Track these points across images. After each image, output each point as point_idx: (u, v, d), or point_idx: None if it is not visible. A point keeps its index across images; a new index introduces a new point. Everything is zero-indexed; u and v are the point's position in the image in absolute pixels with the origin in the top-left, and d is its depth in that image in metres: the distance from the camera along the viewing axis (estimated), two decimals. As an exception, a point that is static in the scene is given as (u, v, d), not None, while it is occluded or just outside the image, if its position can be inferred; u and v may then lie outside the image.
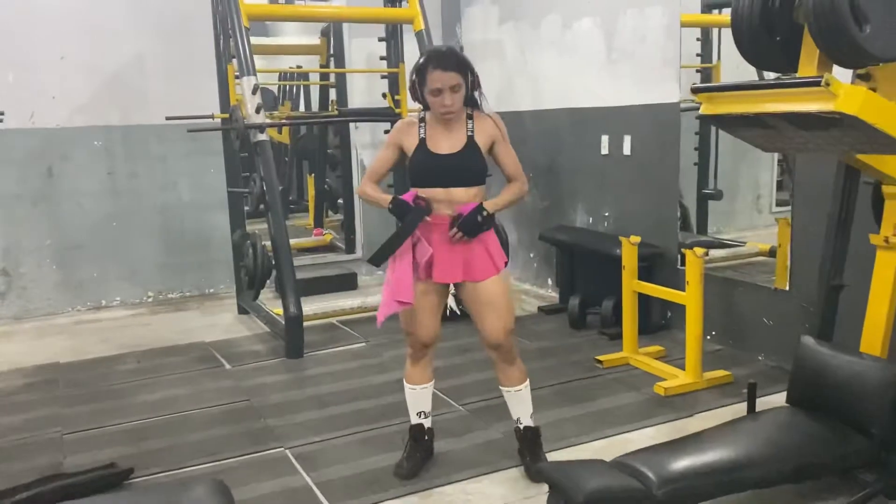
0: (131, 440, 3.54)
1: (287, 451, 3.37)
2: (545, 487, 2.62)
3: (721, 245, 5.31)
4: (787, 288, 4.18)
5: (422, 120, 2.97)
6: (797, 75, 2.64)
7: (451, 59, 2.83)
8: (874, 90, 2.79)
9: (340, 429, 3.59)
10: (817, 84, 2.32)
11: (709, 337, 4.66)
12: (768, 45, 2.69)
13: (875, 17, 2.36)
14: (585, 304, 5.13)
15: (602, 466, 2.61)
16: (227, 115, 5.23)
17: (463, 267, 2.93)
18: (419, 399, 3.16)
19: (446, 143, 2.91)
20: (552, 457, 3.16)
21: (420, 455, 3.16)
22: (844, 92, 2.30)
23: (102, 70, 5.91)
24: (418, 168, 2.93)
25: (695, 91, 2.82)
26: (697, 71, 5.32)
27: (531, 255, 6.41)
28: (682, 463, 2.62)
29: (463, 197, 2.89)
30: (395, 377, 4.26)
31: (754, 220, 5.56)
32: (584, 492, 2.36)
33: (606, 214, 5.51)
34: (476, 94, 2.93)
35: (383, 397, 3.97)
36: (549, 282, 6.15)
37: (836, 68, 2.58)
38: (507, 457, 3.22)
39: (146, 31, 5.99)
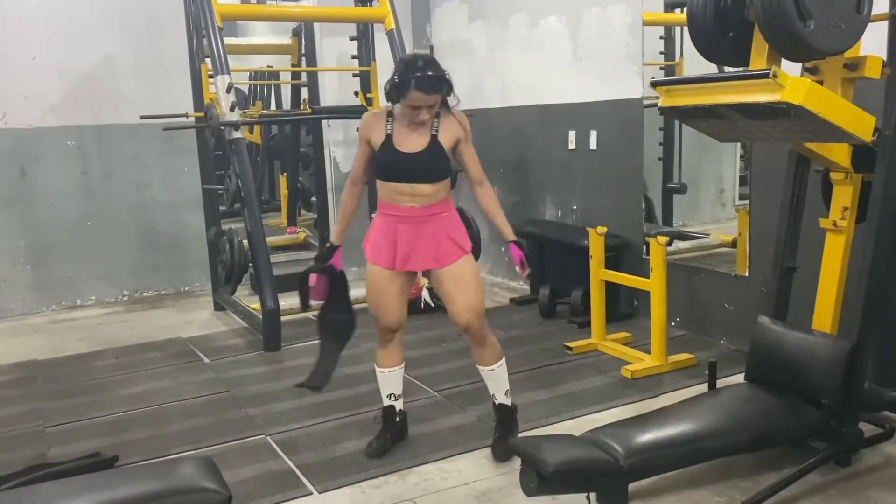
0: (114, 431, 3.62)
1: (268, 437, 3.47)
2: (518, 464, 2.75)
3: (684, 237, 5.50)
4: (747, 274, 4.37)
5: (389, 114, 3.07)
6: (748, 69, 2.80)
7: (434, 83, 2.89)
8: (821, 82, 2.99)
9: (318, 416, 3.70)
10: (765, 76, 2.48)
11: (673, 323, 4.85)
12: (722, 41, 2.84)
13: (818, 13, 2.53)
14: (555, 295, 5.29)
15: (571, 440, 2.76)
16: (201, 114, 5.29)
17: (430, 255, 3.06)
18: (389, 381, 3.30)
19: (410, 141, 3.02)
20: (525, 436, 3.29)
21: (390, 435, 3.29)
22: (790, 83, 2.47)
23: (74, 70, 5.94)
24: (383, 164, 3.06)
25: (654, 85, 2.98)
26: (661, 68, 5.50)
27: (502, 249, 6.55)
28: (646, 436, 2.78)
29: (427, 191, 3.01)
30: (370, 367, 4.30)
31: (718, 214, 5.75)
32: (554, 463, 2.50)
33: (574, 207, 5.67)
34: (452, 93, 3.01)
35: (360, 386, 4.08)
36: (520, 274, 6.30)
37: (785, 62, 2.76)
38: (481, 437, 3.36)
39: (116, 31, 6.03)
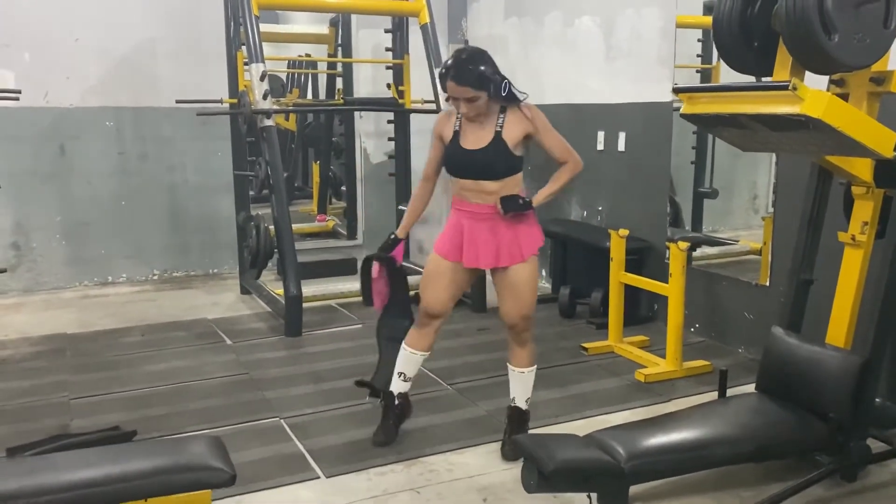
0: (135, 407, 3.73)
1: (282, 420, 3.56)
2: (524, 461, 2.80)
3: (711, 242, 5.46)
4: (768, 284, 4.34)
5: (456, 113, 3.11)
6: (773, 80, 2.80)
7: (466, 74, 2.90)
8: (847, 95, 2.97)
9: (333, 402, 3.77)
10: (785, 88, 2.48)
11: (692, 329, 4.84)
12: (746, 50, 2.84)
13: (843, 26, 2.51)
14: (575, 295, 5.30)
15: (574, 440, 2.78)
16: (235, 101, 5.39)
17: (491, 253, 3.10)
18: (408, 361, 3.30)
19: (475, 137, 3.06)
20: (530, 434, 3.33)
21: (392, 421, 3.33)
22: (810, 96, 2.46)
23: (115, 53, 6.09)
24: (450, 161, 3.14)
25: (676, 91, 2.98)
26: (698, 71, 5.46)
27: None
28: (650, 440, 2.79)
29: (493, 188, 3.04)
30: (388, 357, 4.45)
31: (750, 220, 5.69)
32: (555, 461, 2.53)
33: (600, 209, 5.67)
34: (505, 93, 2.97)
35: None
36: (544, 272, 6.32)
37: (813, 75, 2.74)
38: (490, 432, 3.40)
39: (158, 15, 6.16)
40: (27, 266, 6.07)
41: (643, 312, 5.14)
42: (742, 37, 2.81)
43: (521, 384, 3.27)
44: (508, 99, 3.02)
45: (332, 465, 3.12)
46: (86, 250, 6.22)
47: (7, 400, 3.82)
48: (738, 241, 5.52)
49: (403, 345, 3.32)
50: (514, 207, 3.04)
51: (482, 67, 2.92)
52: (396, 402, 3.34)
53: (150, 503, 2.07)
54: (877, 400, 3.13)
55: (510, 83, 3.00)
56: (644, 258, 5.05)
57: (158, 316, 5.36)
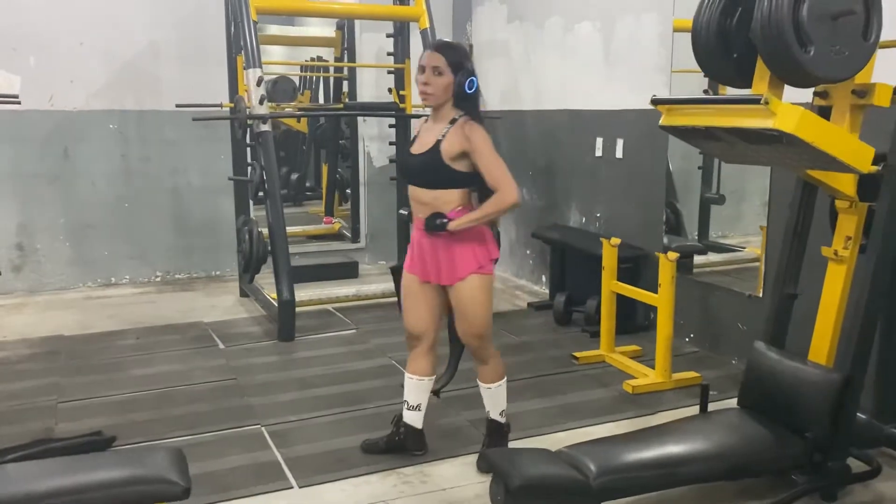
0: (120, 411, 3.76)
1: (263, 428, 3.56)
2: (493, 473, 2.77)
3: (716, 249, 5.39)
4: (761, 295, 4.28)
5: (427, 119, 3.11)
6: (751, 92, 2.75)
7: (443, 45, 2.99)
8: (830, 108, 2.91)
9: (317, 410, 3.77)
10: (757, 102, 2.44)
11: (687, 339, 4.79)
12: (725, 62, 2.80)
13: (819, 39, 2.47)
14: (571, 302, 5.26)
15: (545, 455, 2.76)
16: (232, 105, 5.42)
17: (435, 270, 3.04)
18: (408, 388, 3.25)
19: (421, 143, 3.02)
20: (512, 445, 3.31)
21: (383, 443, 3.27)
22: (782, 110, 2.42)
23: (119, 56, 6.15)
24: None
25: (654, 103, 2.94)
26: (705, 76, 5.38)
27: (528, 252, 6.54)
28: (622, 456, 2.77)
29: (426, 198, 2.97)
30: (378, 363, 4.46)
31: (760, 227, 5.63)
32: (521, 477, 2.52)
33: (598, 215, 5.62)
34: (470, 89, 2.92)
35: (364, 381, 4.16)
36: (544, 279, 6.29)
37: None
38: (469, 443, 3.38)
39: (162, 19, 6.21)
40: (32, 267, 6.15)
41: (639, 321, 5.09)
42: (720, 48, 2.77)
43: (490, 399, 3.22)
44: (468, 102, 2.95)
45: (307, 474, 3.11)
46: (89, 252, 6.29)
47: (-3, 402, 3.87)
48: (744, 248, 5.45)
49: (405, 372, 3.29)
50: (430, 227, 2.94)
51: (464, 56, 2.98)
52: (401, 428, 3.26)
53: (103, 515, 2.08)
54: (862, 417, 3.07)
55: (477, 87, 2.95)
56: (640, 267, 5.00)
57: (156, 318, 5.40)
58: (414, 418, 3.25)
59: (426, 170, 2.97)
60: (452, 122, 2.95)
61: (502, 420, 3.24)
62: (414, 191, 3.05)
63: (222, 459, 3.22)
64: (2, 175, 5.90)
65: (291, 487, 3.02)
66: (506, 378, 3.23)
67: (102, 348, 4.73)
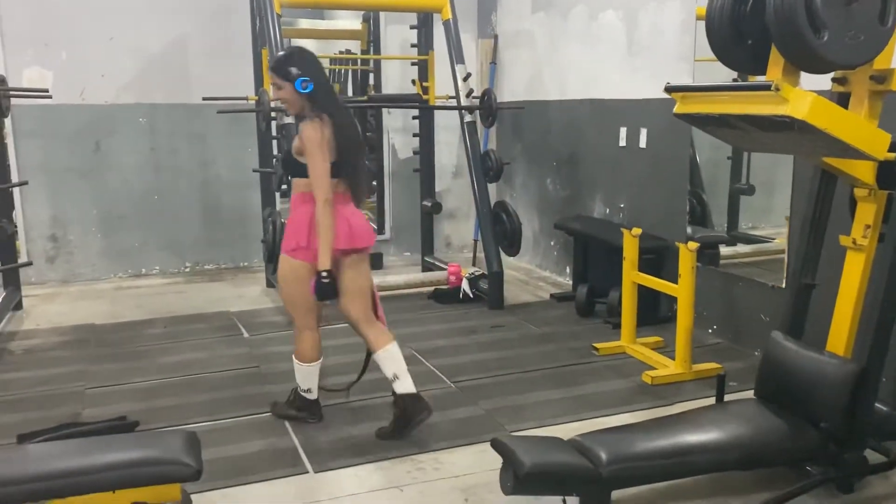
0: (145, 398, 3.85)
1: (282, 415, 3.63)
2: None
3: (744, 240, 5.32)
4: (783, 286, 4.22)
5: None
6: (764, 79, 2.71)
7: (276, 65, 3.23)
8: (849, 94, 2.87)
9: (336, 398, 3.81)
10: (769, 88, 2.41)
11: (710, 331, 4.75)
12: (739, 48, 2.76)
13: (834, 24, 2.43)
14: (594, 293, 5.25)
15: (555, 443, 2.77)
16: (257, 98, 5.48)
17: None
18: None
19: None
20: (529, 433, 3.32)
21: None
22: (793, 97, 2.39)
23: (148, 51, 6.26)
24: None
25: (668, 90, 2.92)
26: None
27: (552, 243, 6.53)
28: (634, 444, 2.76)
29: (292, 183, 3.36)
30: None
31: (785, 217, 5.54)
32: (529, 464, 2.53)
33: (622, 206, 5.59)
34: (304, 90, 3.16)
35: (381, 371, 4.17)
36: (568, 270, 6.27)
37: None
38: (484, 431, 3.40)
39: (189, 13, 6.31)
40: (65, 258, 6.31)
41: (662, 313, 5.06)
42: (734, 35, 2.73)
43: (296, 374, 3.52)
44: (313, 100, 3.19)
45: (324, 460, 3.16)
46: (120, 243, 6.43)
47: (27, 388, 3.99)
48: (774, 240, 5.37)
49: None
50: (319, 291, 3.23)
51: (290, 63, 3.21)
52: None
53: (118, 494, 2.14)
54: (881, 408, 3.03)
55: (314, 85, 3.16)
56: (662, 257, 4.97)
57: (183, 308, 5.51)
58: (404, 385, 3.41)
59: (283, 161, 3.48)
60: (308, 120, 3.22)
61: (306, 396, 3.51)
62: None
63: (241, 445, 3.29)
64: (35, 169, 6.05)
65: (307, 472, 3.07)
66: (309, 363, 3.46)
67: (131, 337, 4.84)
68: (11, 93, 5.29)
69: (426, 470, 3.09)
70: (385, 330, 3.47)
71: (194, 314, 5.35)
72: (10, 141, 5.80)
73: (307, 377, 3.50)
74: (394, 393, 3.38)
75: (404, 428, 3.34)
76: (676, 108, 2.90)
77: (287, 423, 3.52)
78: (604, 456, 2.66)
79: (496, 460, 3.11)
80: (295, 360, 3.49)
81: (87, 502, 2.14)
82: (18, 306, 5.48)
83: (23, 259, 5.87)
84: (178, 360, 4.40)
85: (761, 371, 3.12)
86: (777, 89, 2.38)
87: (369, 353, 3.51)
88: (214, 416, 3.60)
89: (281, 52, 3.36)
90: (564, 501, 2.66)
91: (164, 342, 4.72)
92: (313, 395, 3.54)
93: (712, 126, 2.89)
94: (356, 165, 3.33)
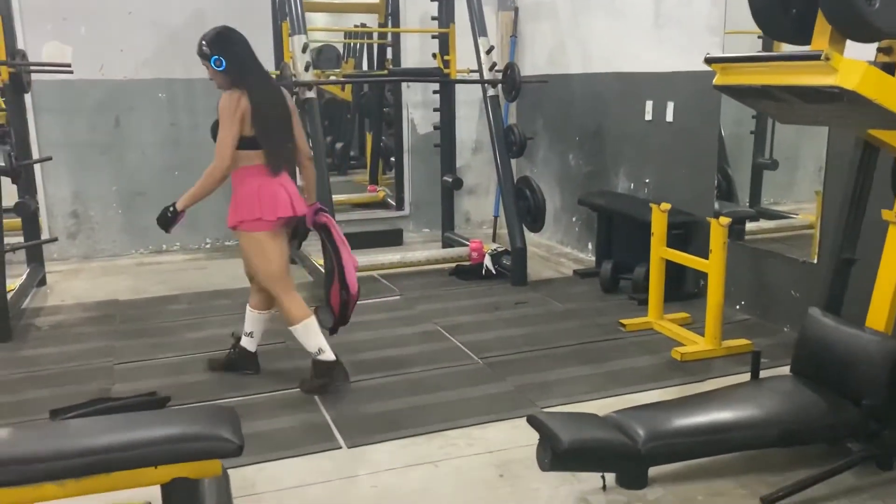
0: (173, 373, 3.86)
1: (312, 390, 3.62)
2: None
3: (768, 216, 5.27)
4: (815, 261, 4.17)
5: None
6: (810, 49, 2.65)
7: (198, 46, 3.44)
8: (895, 64, 2.79)
9: (365, 373, 3.81)
10: (817, 58, 2.35)
11: (738, 307, 4.70)
12: (783, 17, 2.70)
13: (885, -9, 2.36)
14: (618, 269, 5.20)
15: (593, 419, 2.75)
16: (278, 73, 5.43)
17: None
18: (246, 318, 3.83)
19: None
20: (559, 410, 3.30)
21: (224, 360, 3.85)
22: (844, 66, 2.33)
23: (166, 25, 6.20)
24: None
25: (708, 61, 2.86)
26: (759, 37, 5.19)
27: (573, 219, 6.48)
28: (672, 422, 2.74)
29: None
30: (423, 329, 4.49)
31: (814, 193, 5.47)
32: (568, 441, 2.51)
33: (647, 181, 5.52)
34: (220, 67, 3.36)
35: (409, 347, 4.19)
36: (590, 246, 6.22)
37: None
38: (515, 407, 3.39)
39: (208, -13, 6.23)
40: (86, 234, 6.31)
41: (688, 288, 5.02)
42: (778, 3, 2.67)
43: (299, 338, 3.60)
44: (228, 76, 3.35)
45: (356, 436, 3.16)
46: (141, 219, 6.41)
47: (56, 363, 4.00)
48: (797, 215, 5.31)
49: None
50: (162, 220, 3.69)
51: (204, 42, 3.41)
52: (237, 349, 3.83)
53: (160, 470, 2.13)
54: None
55: (228, 64, 3.35)
56: (690, 233, 4.91)
57: (206, 284, 5.50)
58: (248, 343, 3.75)
59: (213, 131, 3.56)
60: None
61: (319, 357, 3.54)
62: None
63: (272, 420, 3.28)
64: (56, 144, 6.02)
65: (340, 448, 3.07)
66: (306, 321, 3.53)
67: (155, 312, 4.84)
68: (32, 68, 5.27)
69: (459, 445, 3.08)
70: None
71: (218, 290, 5.35)
72: (30, 117, 5.77)
73: (311, 335, 3.55)
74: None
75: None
76: (716, 80, 2.84)
77: (317, 399, 3.51)
78: (642, 432, 2.65)
79: (529, 436, 3.11)
80: (292, 329, 3.56)
81: (129, 478, 2.12)
82: (42, 282, 5.49)
83: (45, 235, 5.86)
84: (205, 335, 4.40)
85: (798, 347, 3.08)
86: (827, 59, 2.31)
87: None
88: (243, 391, 3.60)
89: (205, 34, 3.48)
90: (604, 479, 2.65)
91: (190, 318, 4.72)
92: (329, 355, 3.55)
93: (753, 98, 2.83)
94: (277, 139, 3.43)
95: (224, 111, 3.31)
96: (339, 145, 9.36)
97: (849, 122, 2.72)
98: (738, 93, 2.83)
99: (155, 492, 2.17)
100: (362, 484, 2.81)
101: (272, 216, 3.42)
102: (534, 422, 2.67)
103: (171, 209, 3.55)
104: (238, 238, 3.59)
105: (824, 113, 2.64)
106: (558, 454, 2.51)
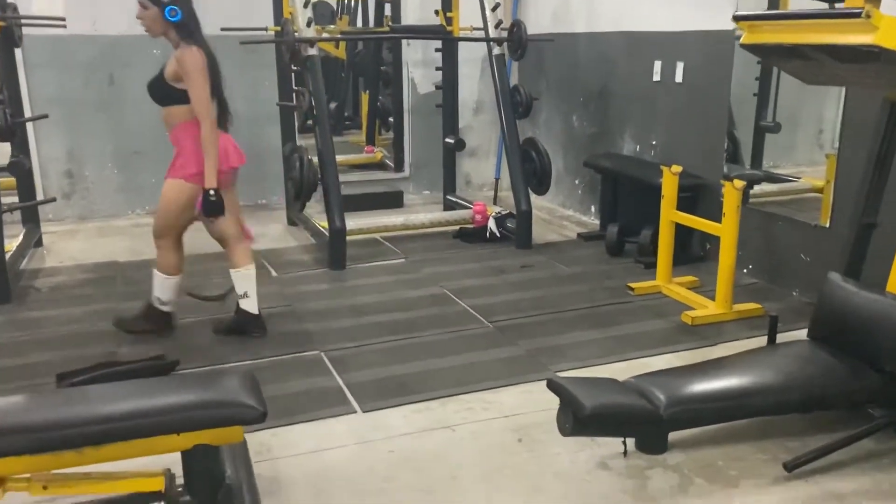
0: (179, 336, 3.80)
1: (322, 353, 3.58)
2: (558, 400, 2.74)
3: (772, 179, 5.22)
4: (828, 225, 4.13)
5: None
6: (844, 6, 2.57)
7: None
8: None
9: (374, 337, 3.77)
10: (857, 15, 2.27)
11: (745, 270, 4.67)
12: (817, -27, 2.62)
13: (927, -54, 2.28)
14: (624, 232, 5.16)
15: (613, 384, 2.72)
16: (279, 29, 5.29)
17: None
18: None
19: None
20: (571, 374, 3.28)
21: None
22: (885, 24, 2.25)
23: (162, -22, 5.99)
24: None
25: (736, 19, 2.78)
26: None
27: (577, 182, 6.41)
28: (692, 386, 2.72)
29: (162, 114, 3.60)
30: (428, 292, 4.44)
31: (814, 156, 5.40)
32: (591, 406, 2.48)
33: (654, 143, 5.45)
34: (173, 18, 3.31)
35: (417, 310, 4.14)
36: (593, 209, 6.17)
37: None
38: (528, 371, 3.37)
39: (204, -61, 6.02)
40: (81, 194, 6.19)
41: (694, 252, 4.99)
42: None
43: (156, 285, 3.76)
44: (181, 29, 3.34)
45: (370, 400, 3.12)
46: (137, 179, 6.30)
47: (59, 326, 3.93)
48: (799, 179, 5.27)
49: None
50: (207, 208, 3.56)
51: None
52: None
53: (183, 437, 2.08)
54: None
55: (183, 14, 3.31)
56: (698, 196, 4.86)
57: (206, 246, 5.32)
58: (248, 304, 3.77)
59: (152, 89, 3.53)
60: (177, 47, 3.38)
61: (161, 308, 3.75)
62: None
63: (283, 384, 3.24)
64: (49, 102, 5.85)
65: (355, 412, 3.03)
66: (168, 274, 3.73)
67: (156, 274, 4.75)
68: (23, 21, 5.09)
69: (475, 409, 3.05)
70: (250, 250, 3.81)
71: (218, 252, 5.20)
72: (21, 73, 5.61)
73: (167, 289, 3.73)
74: (238, 307, 3.73)
75: (233, 333, 3.71)
76: (744, 39, 2.76)
77: (328, 362, 3.47)
78: (663, 397, 2.62)
79: (544, 400, 3.09)
80: (156, 272, 3.72)
81: (149, 445, 2.08)
82: (39, 243, 5.39)
83: (39, 195, 5.74)
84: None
85: (818, 313, 3.06)
86: (868, 16, 2.24)
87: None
88: (254, 355, 3.55)
89: None
90: (625, 444, 2.63)
91: (191, 280, 4.63)
92: (168, 307, 3.76)
93: (781, 58, 2.76)
94: (221, 94, 3.60)
95: (195, 68, 3.34)
96: (332, 105, 9.20)
97: (881, 83, 2.66)
98: (766, 52, 2.76)
99: (171, 459, 2.14)
100: (379, 449, 2.78)
101: (225, 166, 3.54)
102: (554, 386, 2.63)
103: (212, 193, 3.48)
104: (164, 187, 3.68)
105: (856, 73, 2.57)
106: (581, 419, 2.49)
